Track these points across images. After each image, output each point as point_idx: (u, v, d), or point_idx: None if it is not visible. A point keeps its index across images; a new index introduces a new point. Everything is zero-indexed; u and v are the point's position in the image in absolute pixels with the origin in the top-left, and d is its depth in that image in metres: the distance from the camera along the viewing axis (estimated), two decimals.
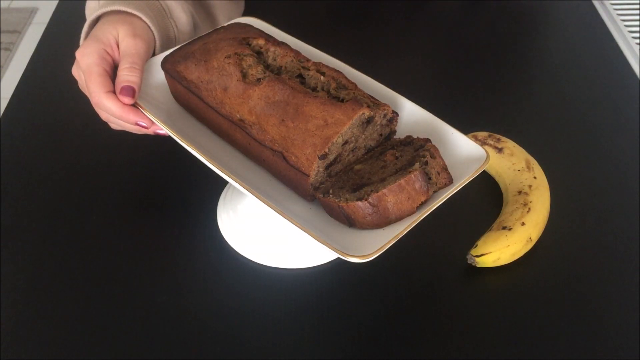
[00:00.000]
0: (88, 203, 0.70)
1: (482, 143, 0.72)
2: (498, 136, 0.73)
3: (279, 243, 0.64)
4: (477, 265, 0.63)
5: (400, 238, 0.50)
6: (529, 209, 0.65)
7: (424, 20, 0.94)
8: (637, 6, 1.38)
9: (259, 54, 0.60)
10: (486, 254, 0.63)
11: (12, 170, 0.74)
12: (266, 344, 0.58)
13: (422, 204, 0.53)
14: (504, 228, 0.64)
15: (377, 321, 0.60)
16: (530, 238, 0.64)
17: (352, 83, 0.58)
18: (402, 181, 0.51)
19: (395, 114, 0.58)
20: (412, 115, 0.61)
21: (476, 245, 0.64)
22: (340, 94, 0.56)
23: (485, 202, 0.71)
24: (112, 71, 0.64)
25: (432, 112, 0.61)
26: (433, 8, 0.92)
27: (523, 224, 0.64)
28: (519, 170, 0.69)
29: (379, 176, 0.54)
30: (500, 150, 0.71)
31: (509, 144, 0.72)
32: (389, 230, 0.52)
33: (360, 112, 0.54)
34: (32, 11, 2.52)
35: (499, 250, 0.63)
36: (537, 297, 0.63)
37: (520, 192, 0.67)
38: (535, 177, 0.69)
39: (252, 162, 0.60)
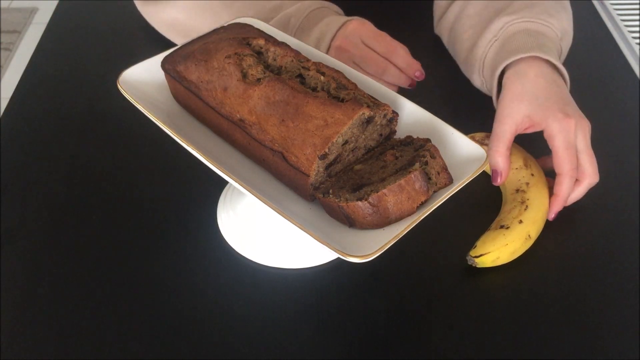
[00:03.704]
0: (88, 203, 0.70)
1: (480, 144, 0.72)
2: None
3: (279, 243, 0.64)
4: (477, 266, 0.63)
5: (400, 238, 0.50)
6: (527, 206, 0.65)
7: (423, 20, 0.94)
8: (637, 6, 1.38)
9: (259, 54, 0.60)
10: (485, 254, 0.63)
11: (12, 170, 0.74)
12: (266, 344, 0.58)
13: (422, 204, 0.53)
14: (501, 227, 0.64)
15: (377, 321, 0.60)
16: (529, 235, 0.64)
17: (352, 83, 0.58)
18: (402, 181, 0.51)
19: (395, 114, 0.58)
20: (412, 115, 0.61)
21: (475, 246, 0.64)
22: (340, 94, 0.56)
23: (485, 202, 0.71)
24: None
25: (432, 112, 0.61)
26: (427, 8, 0.92)
27: (521, 221, 0.64)
28: (516, 169, 0.69)
29: (379, 176, 0.54)
30: None
31: None
32: (389, 230, 0.52)
33: (360, 112, 0.54)
34: (32, 11, 2.52)
35: (497, 249, 0.63)
36: (537, 297, 0.63)
37: (517, 190, 0.67)
38: (532, 175, 0.68)
39: (252, 162, 0.60)
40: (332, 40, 0.75)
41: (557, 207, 0.67)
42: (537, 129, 0.68)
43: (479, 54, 0.76)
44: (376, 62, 0.74)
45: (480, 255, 0.63)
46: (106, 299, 0.61)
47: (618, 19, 1.31)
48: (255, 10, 0.77)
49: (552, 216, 0.67)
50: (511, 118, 0.67)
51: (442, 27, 0.86)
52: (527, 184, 0.67)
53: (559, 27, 0.74)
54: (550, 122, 0.65)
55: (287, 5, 0.77)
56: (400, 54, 0.74)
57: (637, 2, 1.39)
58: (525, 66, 0.69)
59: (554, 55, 0.70)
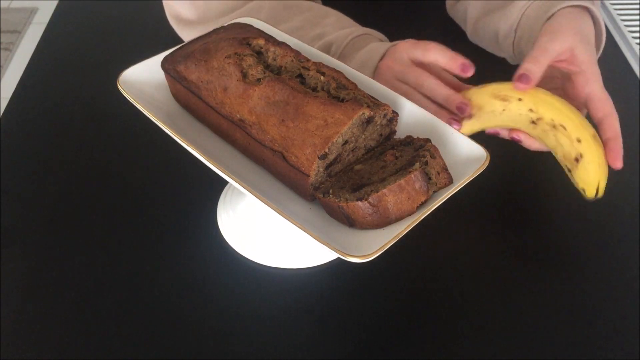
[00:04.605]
0: (88, 203, 0.70)
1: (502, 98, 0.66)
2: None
3: (279, 243, 0.64)
4: (602, 196, 0.63)
5: (400, 238, 0.50)
6: (561, 124, 0.63)
7: (424, 20, 0.94)
8: (637, 6, 1.38)
9: (259, 54, 0.60)
10: (598, 185, 0.63)
11: (12, 170, 0.74)
12: (266, 344, 0.58)
13: (422, 204, 0.53)
14: (576, 160, 0.63)
15: (377, 321, 0.60)
16: (593, 135, 0.63)
17: (352, 83, 0.58)
18: (402, 181, 0.51)
19: (395, 114, 0.58)
20: (412, 115, 0.61)
21: (583, 190, 0.63)
22: (340, 94, 0.56)
23: (484, 201, 0.71)
24: None
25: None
26: (433, 9, 0.92)
27: (579, 140, 0.62)
28: (503, 111, 0.65)
29: (379, 176, 0.54)
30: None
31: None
32: (389, 230, 0.52)
33: (360, 112, 0.54)
34: (32, 11, 2.52)
35: (599, 172, 0.62)
36: (537, 297, 0.63)
37: (533, 122, 0.64)
38: (520, 99, 0.64)
39: (252, 162, 0.60)
40: (379, 61, 0.71)
41: (619, 149, 0.65)
42: (568, 68, 0.66)
43: (519, 5, 0.74)
44: (415, 74, 0.68)
45: (597, 190, 0.63)
46: (106, 299, 0.61)
47: (618, 19, 1.31)
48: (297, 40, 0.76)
49: (619, 163, 0.65)
50: (563, 40, 0.65)
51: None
52: (531, 110, 0.64)
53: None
54: (593, 67, 0.65)
55: (329, 33, 0.76)
56: (438, 48, 0.67)
57: (637, 2, 1.39)
58: (584, 14, 0.69)
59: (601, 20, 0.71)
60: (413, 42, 0.70)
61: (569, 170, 0.64)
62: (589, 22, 0.69)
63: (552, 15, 0.69)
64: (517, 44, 0.76)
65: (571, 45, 0.65)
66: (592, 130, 0.64)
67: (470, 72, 0.65)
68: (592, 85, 0.65)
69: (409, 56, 0.69)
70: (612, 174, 0.74)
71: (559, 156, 0.65)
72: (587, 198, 0.64)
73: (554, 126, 0.63)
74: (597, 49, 0.73)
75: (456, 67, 0.66)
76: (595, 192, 0.63)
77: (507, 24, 0.76)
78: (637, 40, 1.25)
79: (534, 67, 0.64)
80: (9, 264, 0.64)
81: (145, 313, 0.60)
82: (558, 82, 0.71)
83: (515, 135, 0.66)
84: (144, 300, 0.61)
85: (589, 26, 0.69)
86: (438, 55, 0.67)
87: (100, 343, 0.58)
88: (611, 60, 0.92)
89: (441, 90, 0.66)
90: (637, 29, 1.29)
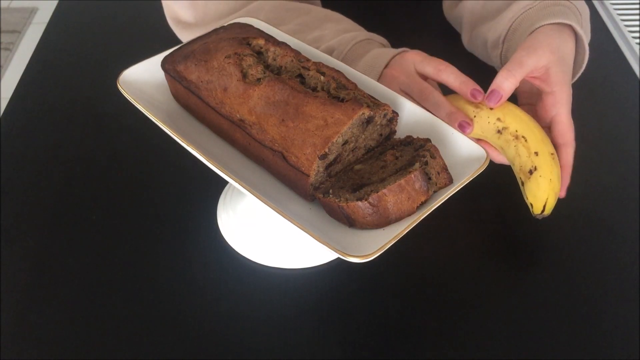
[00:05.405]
0: (88, 203, 0.70)
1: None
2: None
3: (279, 243, 0.64)
4: (549, 214, 0.63)
5: (400, 238, 0.50)
6: (523, 137, 0.64)
7: (424, 21, 0.94)
8: (637, 6, 1.38)
9: (259, 54, 0.60)
10: (545, 203, 0.63)
11: (12, 170, 0.74)
12: (266, 344, 0.58)
13: (422, 204, 0.53)
14: (530, 172, 0.63)
15: (377, 321, 0.60)
16: (552, 154, 0.63)
17: (352, 83, 0.58)
18: (402, 181, 0.51)
19: (396, 114, 0.58)
20: (412, 115, 0.61)
21: (532, 205, 0.63)
22: (340, 94, 0.56)
23: (484, 200, 0.71)
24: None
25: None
26: (433, 10, 0.92)
27: (536, 153, 0.63)
28: (475, 117, 0.66)
29: (379, 176, 0.54)
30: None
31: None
32: (389, 230, 0.52)
33: (360, 112, 0.54)
34: (32, 11, 2.52)
35: (549, 190, 0.62)
36: (536, 297, 0.63)
37: (499, 131, 0.65)
38: (491, 108, 0.65)
39: (252, 162, 0.60)
40: (385, 68, 0.71)
41: (567, 179, 0.65)
42: (540, 86, 0.66)
43: (508, 16, 0.74)
44: (420, 87, 0.67)
45: (543, 207, 0.63)
46: (106, 299, 0.61)
47: (618, 19, 1.31)
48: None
49: (563, 193, 0.65)
50: (539, 57, 0.65)
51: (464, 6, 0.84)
52: (499, 119, 0.65)
53: (586, 22, 0.76)
54: (565, 89, 0.65)
55: (328, 37, 0.75)
56: (450, 71, 0.67)
57: (637, 2, 1.39)
58: (566, 32, 0.69)
59: (586, 40, 0.71)
60: (423, 56, 0.69)
61: (522, 184, 0.64)
62: (570, 42, 0.69)
63: (534, 30, 0.69)
64: (504, 56, 0.76)
65: (547, 64, 0.65)
66: (551, 149, 0.64)
67: (479, 99, 0.65)
68: (559, 108, 0.65)
69: (417, 69, 0.69)
70: (612, 173, 0.75)
71: (515, 168, 0.65)
72: (533, 214, 0.64)
73: (516, 137, 0.64)
74: (579, 67, 0.73)
75: (467, 92, 0.65)
76: (542, 208, 0.63)
77: (495, 35, 0.76)
78: (637, 40, 1.25)
79: (506, 82, 0.64)
80: (9, 264, 0.64)
81: (145, 313, 0.60)
82: (534, 99, 0.71)
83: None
84: (143, 300, 0.61)
85: (569, 46, 0.69)
86: (450, 77, 0.66)
87: (100, 343, 0.58)
88: (611, 60, 0.92)
89: (445, 107, 0.65)
90: (637, 29, 1.29)
